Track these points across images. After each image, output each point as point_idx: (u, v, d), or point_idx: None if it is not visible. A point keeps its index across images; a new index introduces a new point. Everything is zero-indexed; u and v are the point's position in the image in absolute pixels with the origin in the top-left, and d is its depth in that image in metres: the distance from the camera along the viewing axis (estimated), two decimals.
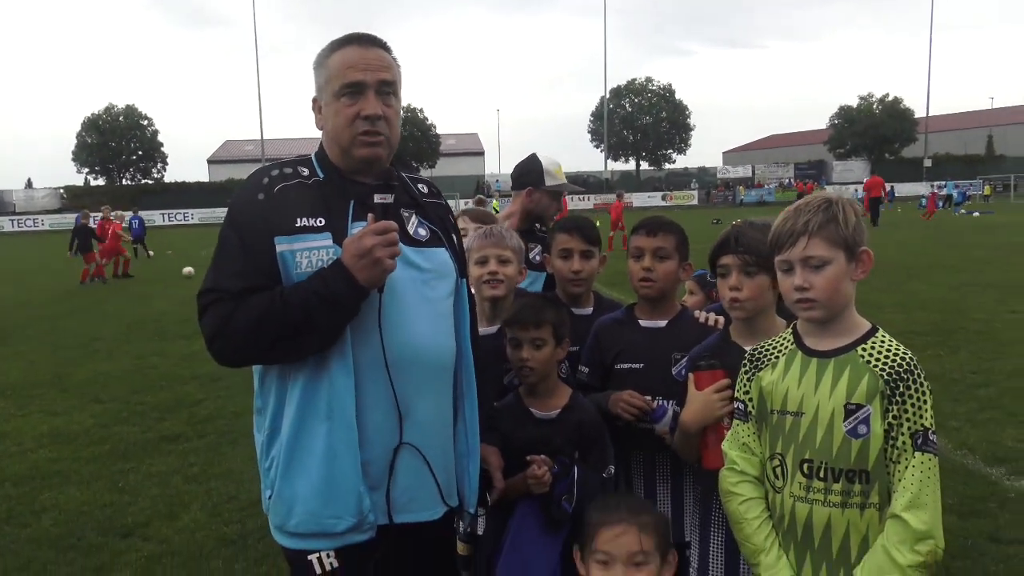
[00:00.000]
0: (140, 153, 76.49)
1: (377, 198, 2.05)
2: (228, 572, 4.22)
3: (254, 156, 71.58)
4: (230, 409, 7.37)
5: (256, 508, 4.84)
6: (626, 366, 2.76)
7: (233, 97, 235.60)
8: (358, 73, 2.08)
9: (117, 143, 74.61)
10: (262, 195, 2.07)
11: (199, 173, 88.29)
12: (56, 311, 14.92)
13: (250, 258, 2.03)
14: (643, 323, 2.80)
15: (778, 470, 2.08)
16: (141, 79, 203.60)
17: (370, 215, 2.02)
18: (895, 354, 1.96)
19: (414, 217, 2.23)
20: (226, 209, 2.19)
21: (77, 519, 4.98)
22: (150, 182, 75.51)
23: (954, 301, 12.08)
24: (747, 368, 2.19)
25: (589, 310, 3.08)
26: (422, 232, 2.23)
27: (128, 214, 26.70)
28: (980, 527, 4.38)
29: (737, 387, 2.22)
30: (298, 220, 2.04)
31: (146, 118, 76.82)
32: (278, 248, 2.01)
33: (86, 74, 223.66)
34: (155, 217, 61.60)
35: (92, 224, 21.54)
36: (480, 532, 2.96)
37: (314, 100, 2.21)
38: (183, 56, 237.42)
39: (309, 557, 2.07)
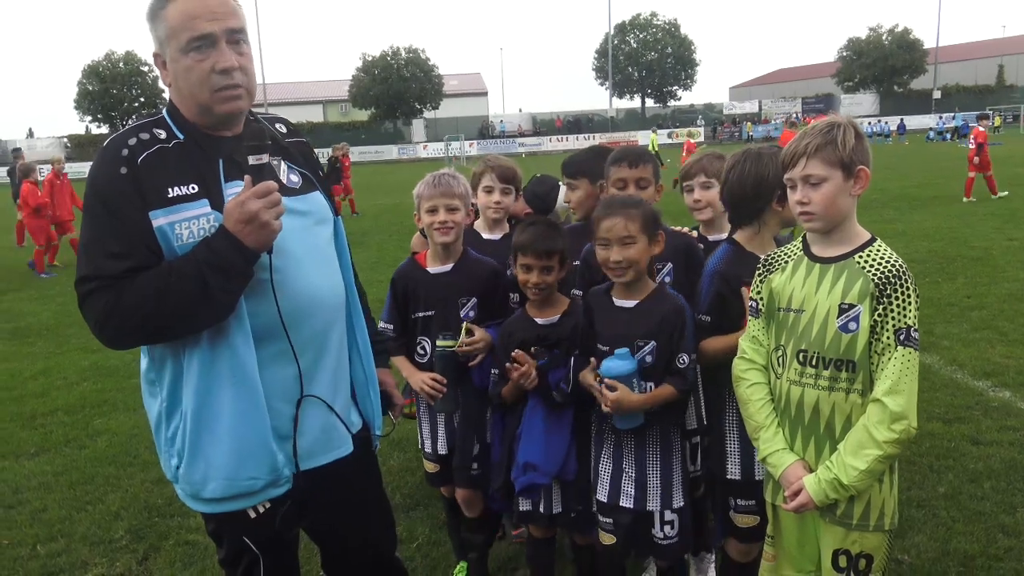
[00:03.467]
0: (142, 100, 75.93)
1: (252, 159, 1.97)
2: None
3: (256, 100, 70.85)
4: None
5: None
6: None
7: None
8: (205, 24, 1.95)
9: (119, 90, 74.02)
10: (125, 169, 1.94)
11: None
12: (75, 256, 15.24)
13: (126, 238, 1.92)
14: None
15: (780, 359, 2.39)
16: (138, 24, 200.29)
17: (247, 177, 1.95)
18: (887, 261, 2.24)
19: (283, 164, 2.19)
20: (87, 187, 2.03)
21: (130, 441, 5.41)
22: None
23: (955, 230, 12.34)
24: (761, 271, 2.49)
25: None
26: (294, 179, 2.21)
27: None
28: (963, 431, 4.75)
29: (752, 288, 2.51)
30: (170, 190, 1.94)
31: (146, 64, 75.93)
32: (155, 223, 1.93)
33: (84, 21, 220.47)
34: None
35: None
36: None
37: (156, 55, 2.06)
38: None
39: (248, 511, 2.13)
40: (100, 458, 5.12)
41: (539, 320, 3.00)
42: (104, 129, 75.50)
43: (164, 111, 2.09)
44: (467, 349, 3.07)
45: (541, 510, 3.01)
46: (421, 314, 3.23)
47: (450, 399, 3.13)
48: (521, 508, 3.05)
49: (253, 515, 2.13)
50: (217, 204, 1.98)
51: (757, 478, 2.70)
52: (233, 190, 2.00)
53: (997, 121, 54.93)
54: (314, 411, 2.18)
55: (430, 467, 3.43)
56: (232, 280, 1.94)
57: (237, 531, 2.17)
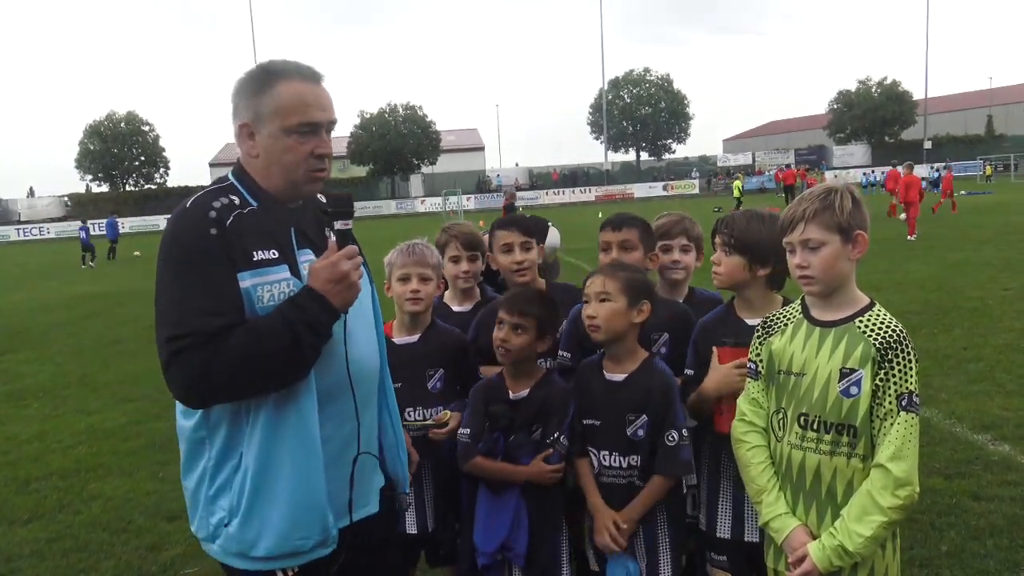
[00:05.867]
0: (143, 159, 76.79)
1: (338, 224, 2.10)
2: None
3: None
4: None
5: None
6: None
7: None
8: (316, 113, 2.09)
9: (120, 150, 74.96)
10: (215, 229, 1.99)
11: (202, 177, 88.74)
12: (74, 315, 15.29)
13: (218, 296, 1.97)
14: None
15: (781, 422, 2.40)
16: (141, 84, 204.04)
17: (332, 240, 2.08)
18: (887, 326, 2.26)
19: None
20: (161, 244, 2.05)
21: (124, 506, 5.35)
22: (153, 187, 76.00)
23: (950, 280, 12.39)
24: (760, 334, 2.50)
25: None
26: None
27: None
28: (964, 487, 4.72)
29: (751, 350, 2.53)
30: (255, 253, 2.02)
31: (147, 124, 77.15)
32: (242, 284, 1.99)
33: (86, 81, 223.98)
34: (159, 223, 62.21)
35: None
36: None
37: (243, 125, 2.12)
38: (181, 58, 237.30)
39: (277, 572, 2.11)
40: (94, 524, 5.06)
41: (511, 394, 2.92)
42: (104, 188, 76.20)
43: (231, 179, 2.16)
44: (440, 435, 2.98)
45: None
46: None
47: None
48: None
49: None
50: (294, 271, 2.07)
51: (747, 539, 2.72)
52: (304, 258, 2.11)
53: (988, 170, 55.63)
54: (365, 466, 2.25)
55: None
56: (319, 338, 2.01)
57: None
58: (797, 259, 2.30)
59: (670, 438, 2.69)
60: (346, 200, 2.16)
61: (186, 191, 70.12)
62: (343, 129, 76.49)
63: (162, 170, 78.68)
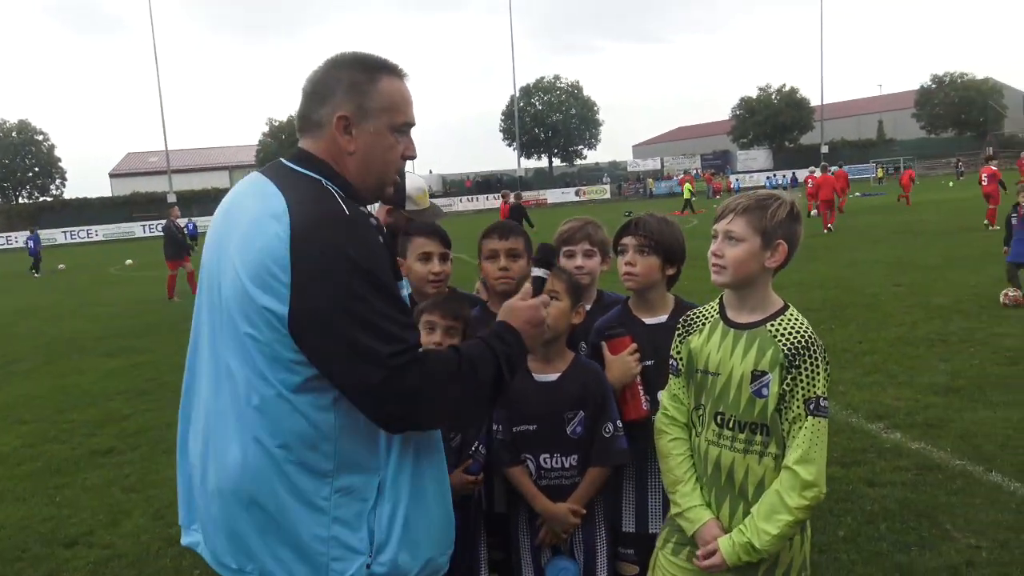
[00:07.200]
0: (36, 170, 73.27)
1: (540, 272, 2.15)
2: (176, 569, 4.42)
3: (159, 168, 69.49)
4: (161, 421, 7.43)
5: None
6: None
7: (133, 107, 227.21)
8: (413, 113, 2.04)
9: (11, 160, 71.38)
10: (380, 238, 1.89)
11: (101, 188, 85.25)
12: None
13: (405, 308, 1.85)
14: None
15: (700, 418, 2.46)
16: (33, 92, 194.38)
17: (528, 285, 2.10)
18: (797, 331, 2.31)
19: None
20: (340, 257, 1.76)
21: (18, 533, 5.08)
22: (48, 199, 72.56)
23: (847, 279, 12.98)
24: (680, 331, 2.55)
25: None
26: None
27: None
28: (859, 474, 4.96)
29: (672, 347, 2.58)
30: (394, 263, 1.96)
31: (41, 133, 73.73)
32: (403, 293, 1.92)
33: None
34: (56, 236, 59.04)
35: None
36: None
37: (343, 117, 1.93)
38: (78, 65, 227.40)
39: None
40: None
41: None
42: None
43: (323, 180, 1.92)
44: None
45: None
46: None
47: None
48: None
49: None
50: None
51: (651, 531, 2.78)
52: (531, 300, 2.09)
53: (880, 172, 58.55)
54: None
55: None
56: (514, 375, 1.95)
57: None
58: (714, 246, 2.35)
59: (606, 430, 2.71)
60: (551, 252, 2.26)
61: (84, 203, 67.73)
62: (251, 137, 74.86)
63: (58, 181, 75.28)
